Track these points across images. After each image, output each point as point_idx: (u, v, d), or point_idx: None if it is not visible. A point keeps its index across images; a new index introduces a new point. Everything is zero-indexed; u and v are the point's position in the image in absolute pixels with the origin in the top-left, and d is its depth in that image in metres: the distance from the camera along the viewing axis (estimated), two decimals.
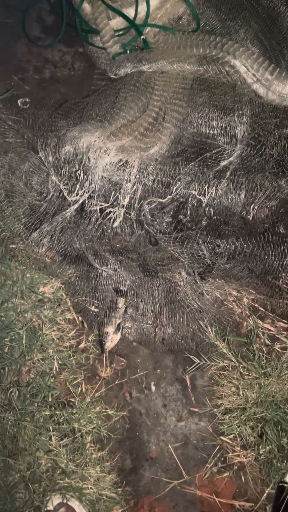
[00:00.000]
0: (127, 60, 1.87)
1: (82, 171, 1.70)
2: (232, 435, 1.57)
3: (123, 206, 1.72)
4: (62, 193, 1.72)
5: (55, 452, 1.55)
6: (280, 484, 1.47)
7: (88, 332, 1.71)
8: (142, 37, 1.92)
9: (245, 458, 1.55)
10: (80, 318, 1.72)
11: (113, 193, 1.72)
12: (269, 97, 1.75)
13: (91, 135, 1.67)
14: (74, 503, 1.50)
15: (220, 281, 1.68)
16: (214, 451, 1.59)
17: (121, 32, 1.97)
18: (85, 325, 1.71)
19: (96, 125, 1.69)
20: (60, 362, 1.64)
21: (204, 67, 1.76)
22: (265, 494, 1.53)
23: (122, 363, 1.69)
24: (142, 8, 1.91)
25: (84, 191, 1.72)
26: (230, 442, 1.58)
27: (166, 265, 1.71)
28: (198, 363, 1.61)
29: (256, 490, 1.54)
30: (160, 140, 1.70)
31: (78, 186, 1.71)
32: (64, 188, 1.71)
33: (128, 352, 1.71)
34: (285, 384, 1.53)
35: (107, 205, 1.72)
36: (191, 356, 1.62)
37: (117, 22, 1.96)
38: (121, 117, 1.71)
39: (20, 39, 2.14)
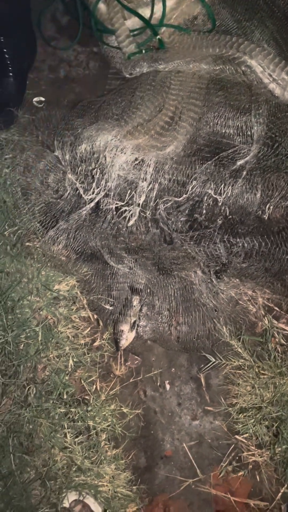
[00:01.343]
0: (142, 59, 1.88)
1: (98, 170, 1.71)
2: (247, 434, 1.57)
3: (138, 205, 1.72)
4: (78, 192, 1.73)
5: (70, 449, 1.56)
6: None
7: (103, 330, 1.72)
8: (157, 37, 1.93)
9: (260, 457, 1.55)
10: (95, 316, 1.73)
11: (128, 191, 1.72)
12: (285, 97, 1.75)
13: (108, 134, 1.68)
14: (90, 500, 1.50)
15: (235, 280, 1.68)
16: (229, 450, 1.59)
17: (136, 32, 1.98)
18: (100, 323, 1.72)
19: (113, 124, 1.70)
20: (75, 360, 1.65)
21: (220, 66, 1.77)
22: (280, 494, 1.53)
23: (137, 362, 1.69)
24: (158, 8, 1.92)
25: (100, 190, 1.73)
26: (245, 441, 1.58)
27: (181, 264, 1.71)
28: (214, 362, 1.61)
29: (271, 490, 1.54)
30: (177, 139, 1.71)
31: (94, 184, 1.72)
32: (80, 187, 1.72)
33: (142, 350, 1.72)
34: None
35: (123, 203, 1.73)
36: (206, 355, 1.62)
37: (133, 22, 1.97)
38: (138, 116, 1.72)
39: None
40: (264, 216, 1.68)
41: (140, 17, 1.93)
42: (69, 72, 2.13)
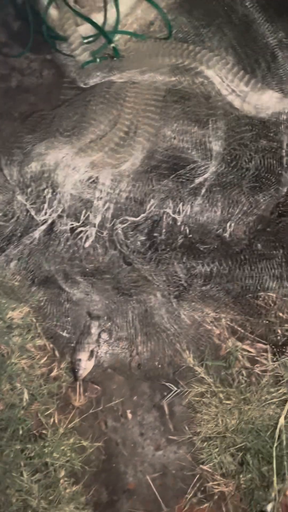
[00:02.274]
0: (97, 69, 1.78)
1: (50, 190, 1.61)
2: (212, 464, 1.51)
3: (94, 225, 1.63)
4: (29, 213, 1.63)
5: (26, 488, 1.47)
6: None
7: (60, 359, 1.63)
8: (112, 44, 1.83)
9: (226, 487, 1.50)
10: (51, 344, 1.64)
11: (83, 211, 1.63)
12: (244, 109, 1.68)
13: (59, 151, 1.58)
14: None
15: (197, 303, 1.61)
16: (194, 480, 1.53)
17: (90, 39, 1.88)
18: (56, 352, 1.63)
19: (63, 141, 1.60)
20: (31, 392, 1.56)
21: (177, 77, 1.68)
22: None
23: (97, 391, 1.61)
24: (112, 14, 1.82)
25: (52, 210, 1.63)
26: (210, 470, 1.52)
27: (140, 287, 1.63)
28: (176, 391, 1.54)
29: None
30: (132, 156, 1.62)
31: (46, 205, 1.62)
32: (31, 208, 1.62)
33: (102, 379, 1.63)
34: (265, 410, 1.48)
35: (78, 224, 1.64)
36: (167, 384, 1.55)
37: (86, 29, 1.86)
38: (90, 132, 1.62)
39: None
40: (225, 234, 1.62)
41: (93, 23, 1.82)
42: (22, 81, 2.01)
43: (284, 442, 1.42)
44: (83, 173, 1.60)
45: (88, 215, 1.63)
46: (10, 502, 1.46)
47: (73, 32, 1.85)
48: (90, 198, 1.61)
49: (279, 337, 1.60)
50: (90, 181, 1.61)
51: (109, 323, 1.63)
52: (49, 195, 1.60)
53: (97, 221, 1.63)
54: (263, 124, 1.68)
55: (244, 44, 1.77)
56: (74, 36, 1.85)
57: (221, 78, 1.67)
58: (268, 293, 1.61)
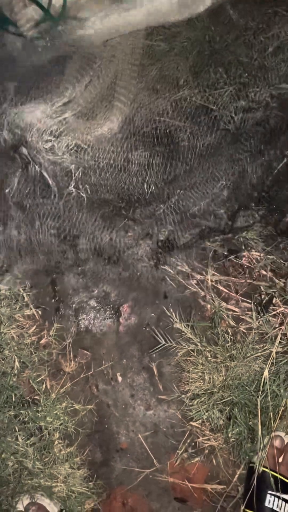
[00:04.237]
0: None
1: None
2: (201, 420, 1.55)
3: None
4: None
5: (22, 451, 1.51)
6: (250, 465, 1.46)
7: (49, 327, 1.65)
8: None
9: (215, 441, 1.54)
10: (39, 312, 1.66)
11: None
12: None
13: (32, 114, 1.57)
14: (45, 502, 1.47)
15: (182, 266, 1.63)
16: (184, 437, 1.57)
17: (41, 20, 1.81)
18: (46, 320, 1.65)
19: (37, 102, 1.59)
20: (21, 361, 1.58)
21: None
22: (236, 476, 1.53)
23: (87, 356, 1.64)
24: None
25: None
26: (199, 426, 1.56)
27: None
28: (163, 344, 1.57)
29: (227, 472, 1.54)
30: (109, 120, 1.61)
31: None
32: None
33: (92, 344, 1.66)
34: (251, 365, 1.51)
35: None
36: (156, 336, 1.57)
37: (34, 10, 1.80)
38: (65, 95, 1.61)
39: None
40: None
41: (39, 4, 1.74)
42: None
43: (269, 395, 1.45)
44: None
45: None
46: (6, 465, 1.50)
47: (22, 13, 1.79)
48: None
49: (263, 296, 1.63)
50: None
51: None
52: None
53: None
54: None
55: None
56: (23, 17, 1.79)
57: None
58: (252, 252, 1.63)
